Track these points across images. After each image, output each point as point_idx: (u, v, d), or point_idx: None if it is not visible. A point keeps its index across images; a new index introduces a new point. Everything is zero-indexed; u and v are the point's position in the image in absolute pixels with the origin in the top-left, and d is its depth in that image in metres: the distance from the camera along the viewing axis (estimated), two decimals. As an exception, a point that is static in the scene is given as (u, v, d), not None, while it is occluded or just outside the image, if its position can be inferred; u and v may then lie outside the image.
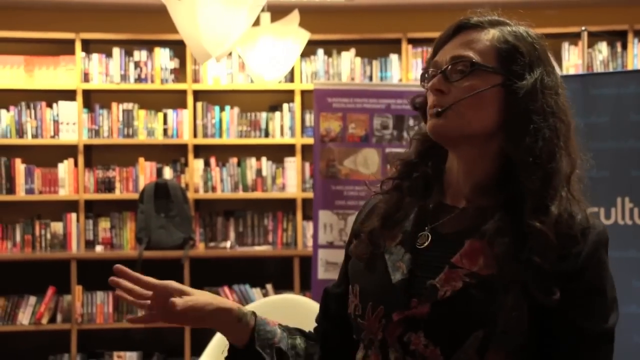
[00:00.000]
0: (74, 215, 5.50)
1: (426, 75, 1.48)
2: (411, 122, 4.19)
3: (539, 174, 1.37)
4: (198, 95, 5.61)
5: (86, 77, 5.52)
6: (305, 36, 3.56)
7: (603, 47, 5.34)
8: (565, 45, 5.39)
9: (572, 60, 5.34)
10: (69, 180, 5.50)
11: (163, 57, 5.54)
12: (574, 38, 5.32)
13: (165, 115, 5.56)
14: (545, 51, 1.47)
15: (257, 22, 3.51)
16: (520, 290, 1.34)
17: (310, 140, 5.35)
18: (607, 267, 1.38)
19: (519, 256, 1.35)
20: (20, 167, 5.48)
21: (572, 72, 5.22)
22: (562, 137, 1.40)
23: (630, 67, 5.19)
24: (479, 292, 1.36)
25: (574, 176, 1.42)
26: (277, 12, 4.24)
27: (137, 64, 5.54)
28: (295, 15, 3.84)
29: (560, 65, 5.38)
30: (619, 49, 5.33)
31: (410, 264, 1.44)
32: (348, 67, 5.55)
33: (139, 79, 5.54)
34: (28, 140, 5.48)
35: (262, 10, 3.46)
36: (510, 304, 1.33)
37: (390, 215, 1.51)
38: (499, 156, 1.43)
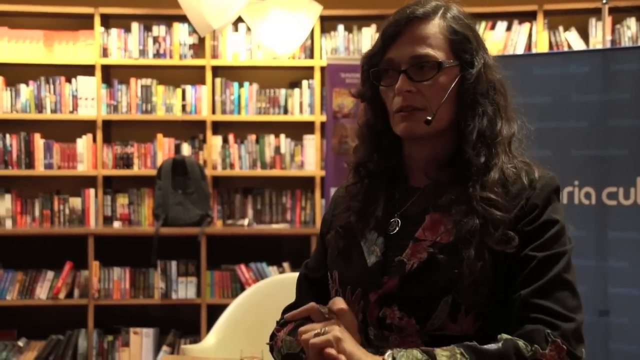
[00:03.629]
0: (92, 191, 5.49)
1: (378, 72, 1.55)
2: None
3: (483, 150, 1.51)
4: (217, 71, 5.55)
5: (105, 52, 5.48)
6: (317, 9, 3.47)
7: (632, 22, 5.17)
8: (592, 21, 5.24)
9: (600, 36, 5.18)
10: (88, 156, 5.48)
11: (182, 33, 5.48)
12: (601, 14, 5.16)
13: (183, 91, 5.51)
14: (477, 28, 1.59)
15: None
16: (480, 244, 1.45)
17: (329, 118, 5.27)
18: (558, 207, 1.53)
19: (474, 218, 1.47)
20: (39, 142, 5.48)
21: (599, 47, 5.07)
22: (502, 109, 1.55)
23: (659, 44, 5.04)
24: (443, 259, 1.47)
25: (514, 139, 1.57)
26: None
27: (155, 39, 5.49)
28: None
29: (586, 41, 5.24)
30: (649, 25, 5.17)
31: (384, 246, 1.55)
32: (369, 43, 5.44)
33: (157, 55, 5.49)
34: (47, 115, 5.46)
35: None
36: (472, 257, 1.44)
37: (364, 211, 1.62)
38: (453, 136, 1.55)
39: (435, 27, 1.51)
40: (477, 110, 1.52)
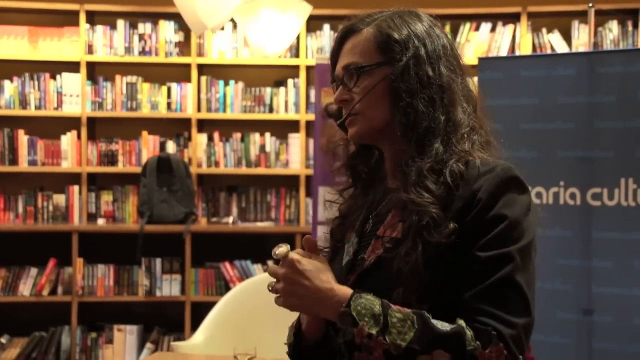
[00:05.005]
0: (76, 188, 5.48)
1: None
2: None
3: (412, 145, 1.51)
4: (202, 69, 5.56)
5: (90, 49, 5.47)
6: (307, 9, 3.50)
7: (614, 25, 5.24)
8: (575, 24, 5.30)
9: (582, 39, 5.25)
10: (72, 153, 5.47)
11: (168, 30, 5.49)
12: (584, 16, 5.22)
13: (169, 89, 5.51)
14: (426, 25, 1.58)
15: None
16: (416, 237, 1.45)
17: (314, 117, 5.29)
18: (511, 200, 1.46)
19: (410, 212, 1.47)
20: (23, 138, 5.46)
21: (581, 50, 5.14)
22: (438, 103, 1.52)
23: (640, 47, 5.11)
24: (392, 253, 1.49)
25: (460, 129, 1.52)
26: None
27: (141, 37, 5.49)
28: (297, -12, 3.78)
29: (569, 44, 5.30)
30: (630, 27, 5.24)
31: (357, 246, 1.60)
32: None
33: (143, 52, 5.49)
34: (31, 111, 5.45)
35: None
36: (406, 251, 1.45)
37: (347, 214, 1.67)
38: (391, 140, 1.56)
39: (364, 35, 1.56)
40: (403, 106, 1.51)
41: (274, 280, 1.51)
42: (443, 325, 1.40)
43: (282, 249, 1.50)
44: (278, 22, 3.39)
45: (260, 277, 3.80)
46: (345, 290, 1.46)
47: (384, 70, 1.54)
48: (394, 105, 1.53)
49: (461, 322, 1.40)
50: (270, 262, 5.19)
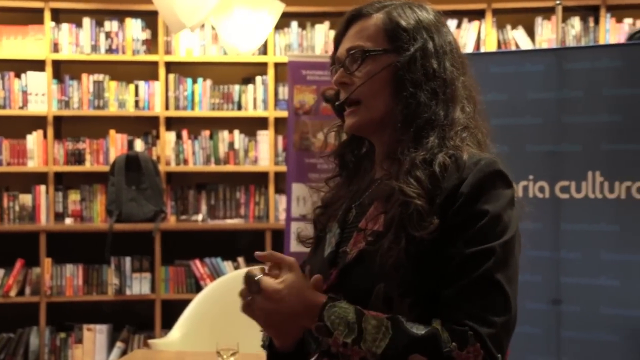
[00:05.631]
0: (43, 187, 5.44)
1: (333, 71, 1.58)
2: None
3: (409, 136, 1.49)
4: (170, 67, 5.55)
5: (56, 48, 5.43)
6: (279, 7, 3.53)
7: (576, 22, 5.35)
8: (539, 20, 5.40)
9: (545, 35, 5.35)
10: (38, 152, 5.43)
11: (134, 28, 5.47)
12: (547, 12, 5.33)
13: (136, 87, 5.50)
14: (434, 19, 1.56)
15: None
16: (399, 231, 1.41)
17: (283, 114, 5.33)
18: (493, 195, 1.43)
19: (395, 205, 1.44)
20: (-12, 138, 5.41)
21: (544, 46, 5.24)
22: (441, 97, 1.50)
23: (602, 42, 5.22)
24: (375, 247, 1.45)
25: (455, 126, 1.50)
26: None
27: (108, 35, 5.47)
28: (269, -14, 3.80)
29: (532, 39, 5.39)
30: (592, 24, 5.35)
31: (339, 237, 1.57)
32: (322, 40, 5.51)
33: (109, 50, 5.47)
34: (-4, 111, 5.40)
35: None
36: (388, 245, 1.41)
37: (330, 203, 1.65)
38: (390, 130, 1.53)
39: (373, 20, 1.54)
40: (405, 96, 1.49)
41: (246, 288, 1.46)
42: (418, 329, 1.37)
43: (255, 273, 1.45)
44: (251, 20, 3.42)
45: (236, 274, 3.82)
46: (318, 301, 1.42)
47: (389, 58, 1.52)
48: (396, 94, 1.51)
49: (436, 324, 1.37)
50: (240, 259, 5.17)
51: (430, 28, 1.54)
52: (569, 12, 5.20)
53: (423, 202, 1.41)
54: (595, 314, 3.35)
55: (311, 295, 1.43)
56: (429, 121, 1.49)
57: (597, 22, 5.33)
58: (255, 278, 1.43)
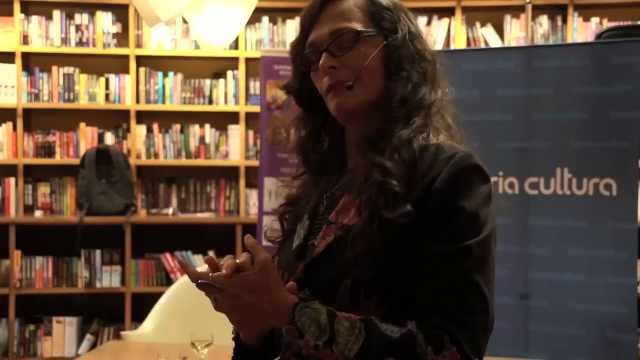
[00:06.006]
0: (12, 180, 5.41)
1: (305, 58, 1.51)
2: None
3: (402, 116, 1.45)
4: (141, 60, 5.54)
5: (25, 40, 5.40)
6: (252, 2, 3.55)
7: (544, 20, 5.43)
8: (507, 18, 5.46)
9: (514, 33, 5.42)
10: (7, 144, 5.40)
11: (105, 21, 5.45)
12: (516, 11, 5.40)
13: (107, 80, 5.48)
14: (404, 6, 1.54)
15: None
16: (373, 212, 1.37)
17: (254, 108, 5.34)
18: (470, 191, 1.37)
19: (370, 187, 1.39)
20: (-44, 130, 5.36)
21: (513, 44, 5.31)
22: (429, 77, 1.49)
23: (569, 41, 5.30)
24: (344, 241, 1.40)
25: (435, 108, 1.48)
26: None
27: (78, 28, 5.44)
28: (242, -19, 3.81)
29: (501, 37, 5.46)
30: (560, 22, 5.43)
31: (308, 229, 1.52)
32: (293, 35, 5.53)
33: (80, 43, 5.44)
34: (-35, 102, 5.35)
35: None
36: (360, 226, 1.37)
37: (296, 198, 1.60)
38: (383, 111, 1.48)
39: (351, 2, 1.49)
40: (402, 76, 1.47)
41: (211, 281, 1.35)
42: (392, 331, 1.32)
43: (203, 280, 1.35)
44: (224, 14, 3.43)
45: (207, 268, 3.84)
46: (289, 301, 1.35)
47: (377, 39, 1.48)
48: (389, 75, 1.47)
49: (411, 326, 1.32)
50: (210, 253, 5.18)
51: (405, 9, 1.54)
52: (537, 10, 5.27)
53: (400, 184, 1.37)
54: (563, 308, 3.41)
55: (280, 294, 1.35)
56: (420, 101, 1.47)
57: (564, 21, 5.41)
58: (206, 283, 1.34)
